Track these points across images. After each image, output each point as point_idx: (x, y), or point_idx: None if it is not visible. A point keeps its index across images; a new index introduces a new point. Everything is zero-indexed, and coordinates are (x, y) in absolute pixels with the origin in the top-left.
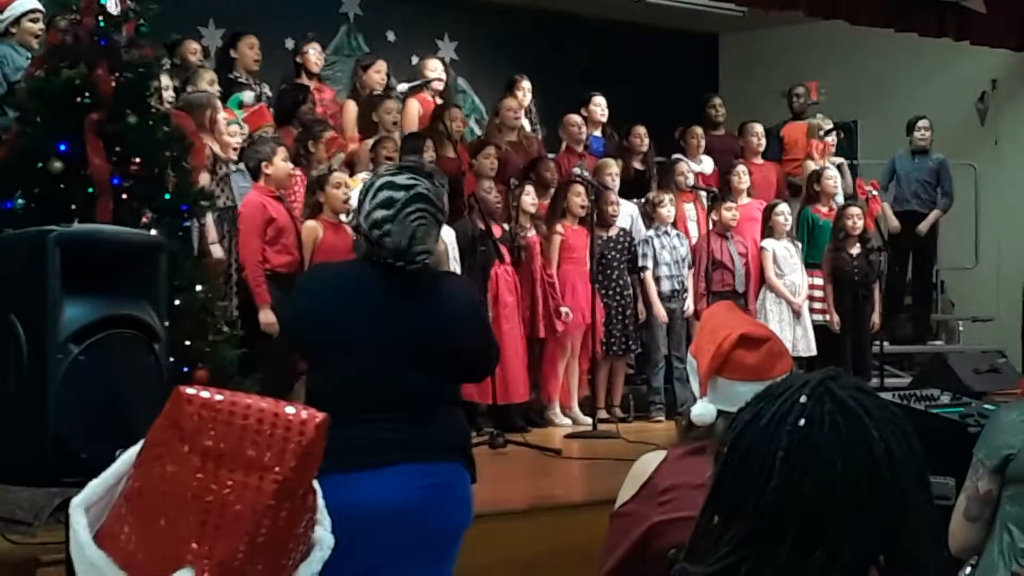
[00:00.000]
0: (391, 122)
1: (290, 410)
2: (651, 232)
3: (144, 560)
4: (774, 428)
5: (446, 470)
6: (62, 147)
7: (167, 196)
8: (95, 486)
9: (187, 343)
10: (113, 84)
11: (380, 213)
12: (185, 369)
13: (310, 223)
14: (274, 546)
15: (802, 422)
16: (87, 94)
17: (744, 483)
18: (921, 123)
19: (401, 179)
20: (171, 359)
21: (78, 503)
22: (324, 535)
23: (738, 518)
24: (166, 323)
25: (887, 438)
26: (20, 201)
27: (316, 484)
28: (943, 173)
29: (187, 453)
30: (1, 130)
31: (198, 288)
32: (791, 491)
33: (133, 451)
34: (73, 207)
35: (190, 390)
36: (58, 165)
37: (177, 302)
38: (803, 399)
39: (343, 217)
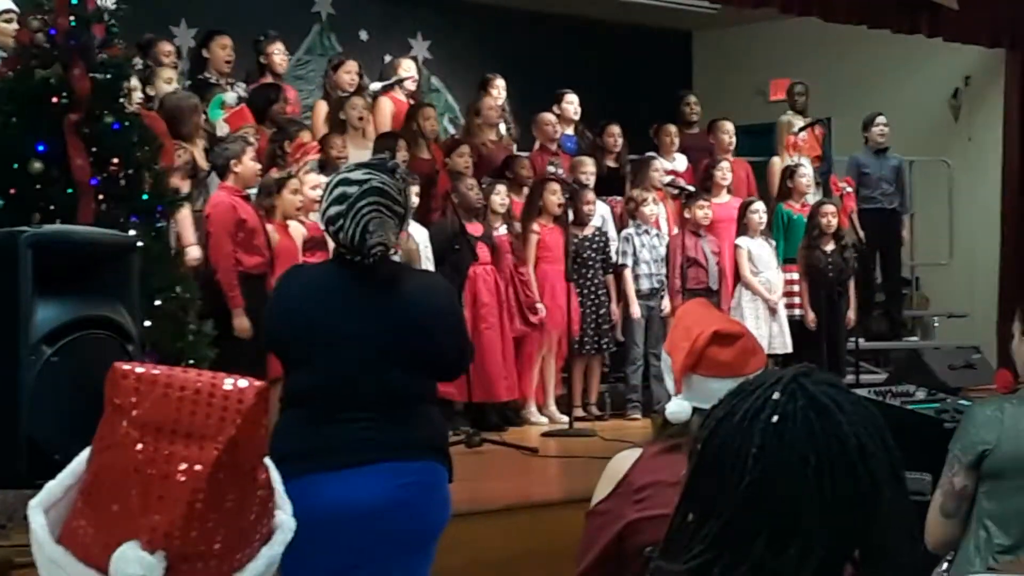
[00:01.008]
0: (356, 118)
1: (228, 381)
2: (631, 230)
3: (101, 547)
4: (747, 425)
5: (424, 469)
6: (40, 147)
7: (145, 197)
8: (53, 487)
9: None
10: (89, 84)
11: (334, 209)
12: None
13: (270, 226)
14: (227, 523)
15: (775, 419)
16: (64, 94)
17: (717, 480)
18: (879, 119)
19: (356, 175)
20: (152, 358)
21: (35, 504)
22: (285, 519)
23: (712, 515)
24: (146, 323)
25: (860, 434)
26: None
27: (270, 463)
28: (901, 174)
29: (127, 428)
30: None
31: (177, 289)
32: (764, 488)
33: (87, 450)
34: (52, 208)
35: (125, 365)
36: (38, 166)
37: (158, 302)
38: (776, 396)
39: (303, 218)
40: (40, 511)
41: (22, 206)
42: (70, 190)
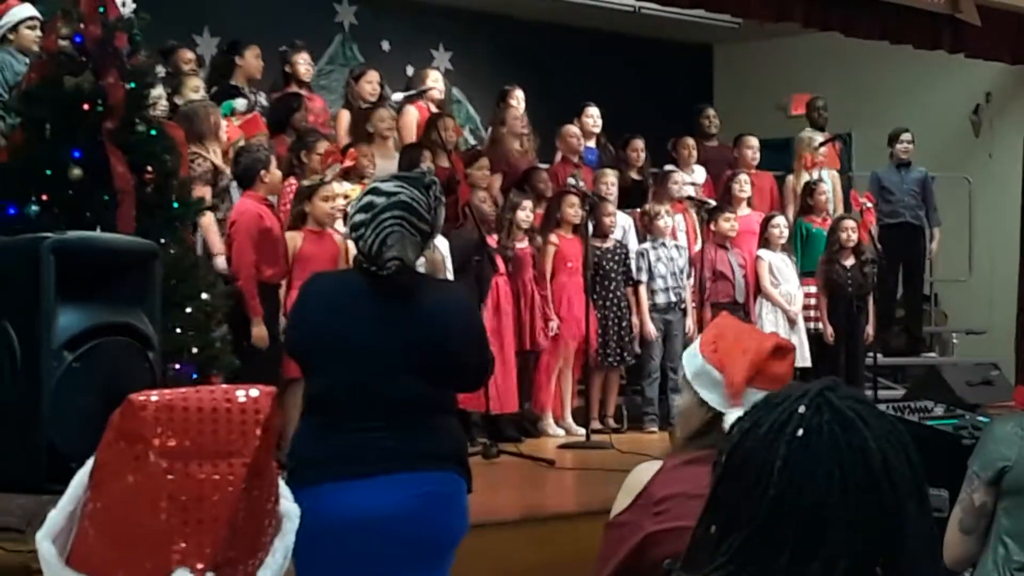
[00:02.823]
0: (385, 129)
1: (240, 393)
2: (647, 244)
3: (128, 572)
4: (772, 438)
5: (442, 479)
6: (76, 154)
7: (175, 205)
8: (55, 517)
9: (194, 350)
10: (123, 92)
11: (359, 217)
12: (195, 376)
13: (289, 233)
14: (251, 526)
15: (800, 432)
16: (99, 102)
17: (741, 493)
18: (904, 136)
19: (387, 186)
20: (178, 365)
21: (43, 535)
22: (290, 506)
23: (735, 528)
24: (177, 329)
25: (885, 449)
26: (34, 208)
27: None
28: (927, 188)
29: (149, 459)
30: (3, 134)
31: (203, 296)
32: (789, 502)
33: (82, 475)
34: (88, 215)
35: (140, 397)
36: (77, 172)
37: (188, 310)
38: (801, 409)
39: (330, 228)
40: (48, 541)
41: (59, 213)
42: (106, 197)
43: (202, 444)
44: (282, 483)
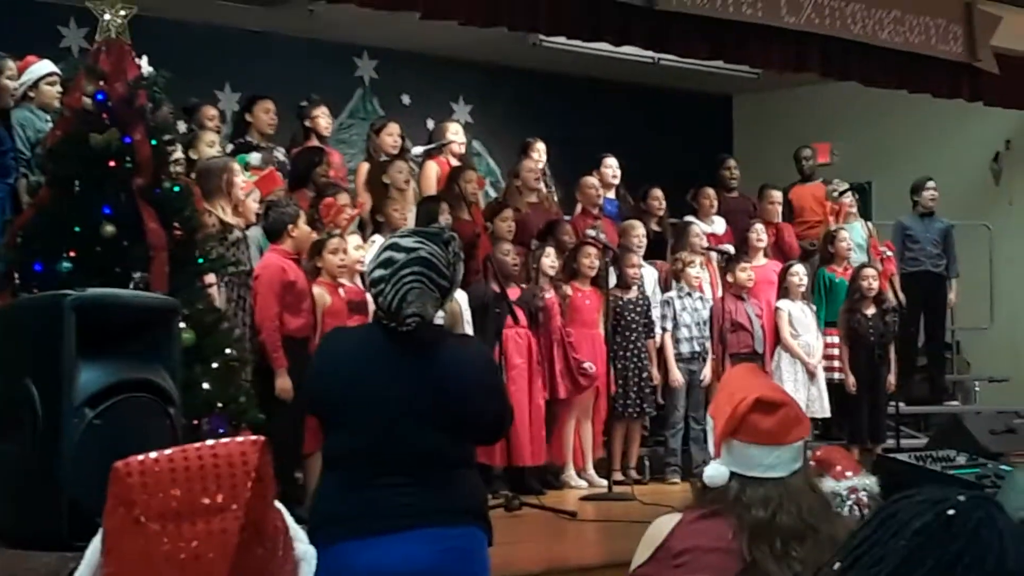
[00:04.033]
0: (403, 181)
1: (224, 445)
2: (672, 293)
3: None
4: (922, 505)
5: (464, 534)
6: (106, 210)
7: (200, 260)
8: None
9: (220, 405)
10: (150, 150)
11: (378, 272)
12: (221, 431)
13: (317, 289)
14: (261, 570)
15: (951, 512)
16: (126, 159)
17: (872, 539)
18: (930, 184)
19: (407, 241)
20: (217, 422)
21: None
22: (306, 549)
23: (857, 568)
24: (204, 385)
25: (1015, 569)
26: (66, 264)
27: (279, 506)
28: (949, 238)
29: (144, 523)
30: (29, 191)
31: (227, 351)
32: (913, 560)
33: (96, 542)
34: (118, 271)
35: (123, 464)
36: (110, 229)
37: (215, 365)
38: (962, 498)
39: (345, 280)
40: None
41: (90, 269)
42: (139, 254)
43: (191, 502)
44: (296, 526)
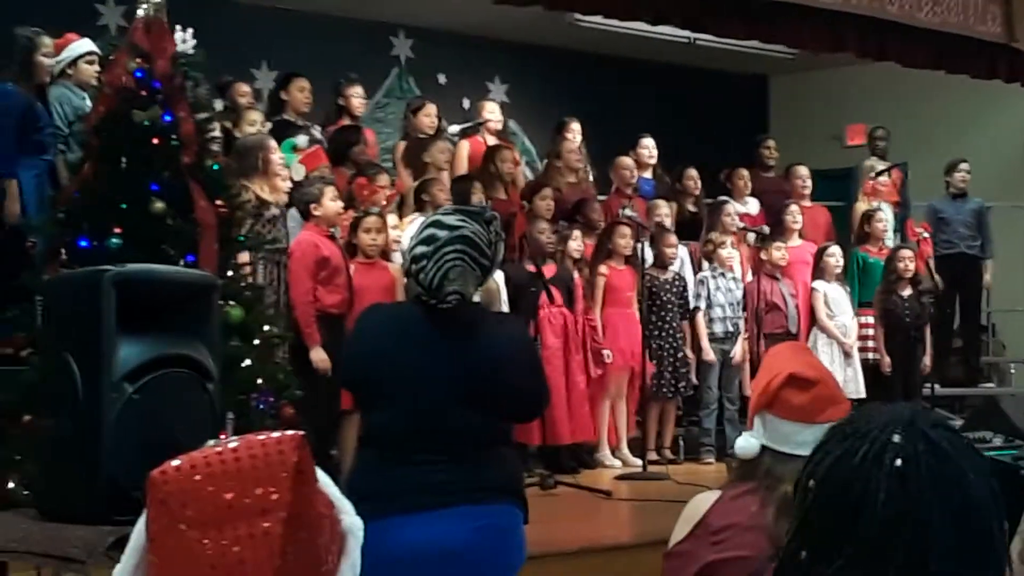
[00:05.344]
0: (444, 161)
1: (260, 443)
2: (706, 272)
3: None
4: (868, 467)
5: (501, 511)
6: (154, 187)
7: (241, 238)
8: (120, 572)
9: (259, 381)
10: (194, 127)
11: (420, 249)
12: (260, 406)
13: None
14: (305, 559)
15: (898, 463)
16: (172, 136)
17: (838, 521)
18: (962, 166)
19: (450, 219)
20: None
21: None
22: (352, 521)
23: (830, 556)
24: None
25: (979, 481)
26: (115, 241)
27: (320, 473)
28: (983, 219)
29: (185, 531)
30: (69, 168)
31: (266, 328)
32: (892, 532)
33: (140, 527)
34: (164, 247)
35: (158, 471)
36: (160, 206)
37: (256, 341)
38: (896, 439)
39: (397, 258)
40: None
41: (138, 246)
42: (183, 231)
43: (231, 506)
44: (341, 498)
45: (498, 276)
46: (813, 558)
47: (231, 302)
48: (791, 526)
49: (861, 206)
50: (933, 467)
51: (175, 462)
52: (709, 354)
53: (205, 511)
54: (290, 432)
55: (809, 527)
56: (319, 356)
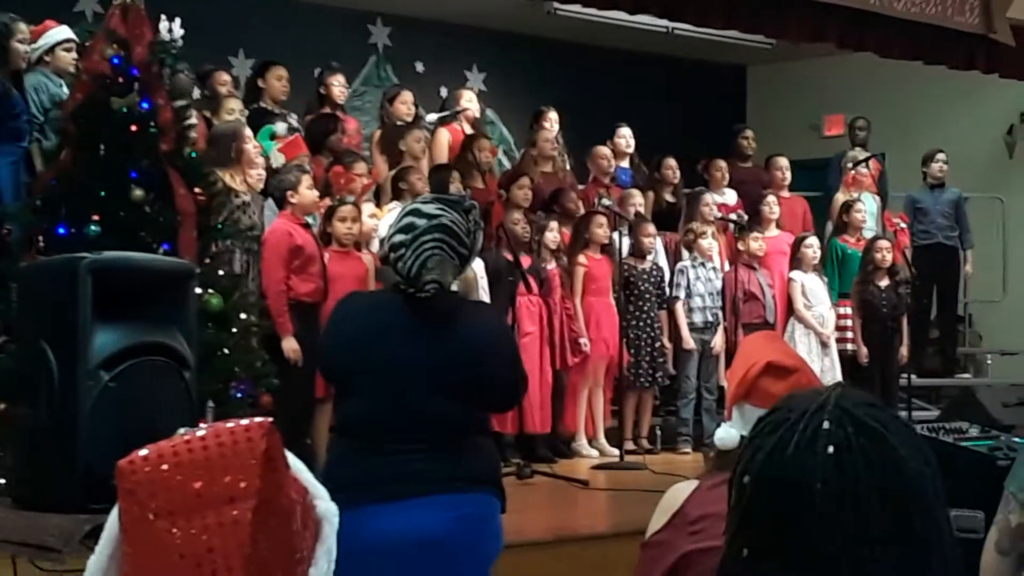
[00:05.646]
0: (420, 150)
1: (228, 431)
2: (686, 263)
3: None
4: (802, 457)
5: (478, 500)
6: (133, 175)
7: (219, 226)
8: (95, 563)
9: (236, 370)
10: (172, 115)
11: (399, 237)
12: (238, 395)
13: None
14: (277, 547)
15: (831, 449)
16: (151, 124)
17: (777, 516)
18: (939, 156)
19: (429, 208)
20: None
21: None
22: (327, 506)
23: (773, 551)
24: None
25: (911, 455)
26: (94, 228)
27: (293, 460)
28: (960, 209)
29: (154, 521)
30: (45, 155)
31: (242, 316)
32: (833, 522)
33: (113, 517)
34: (143, 235)
35: (126, 460)
36: (139, 193)
37: (234, 329)
38: (825, 425)
39: (375, 247)
40: None
41: (116, 234)
42: (166, 219)
43: (200, 495)
44: (315, 483)
45: (477, 265)
46: (756, 555)
47: (210, 290)
48: (730, 524)
49: (841, 196)
50: (866, 448)
51: (143, 452)
52: (689, 342)
53: (173, 501)
54: (259, 419)
55: (749, 524)
56: (290, 346)
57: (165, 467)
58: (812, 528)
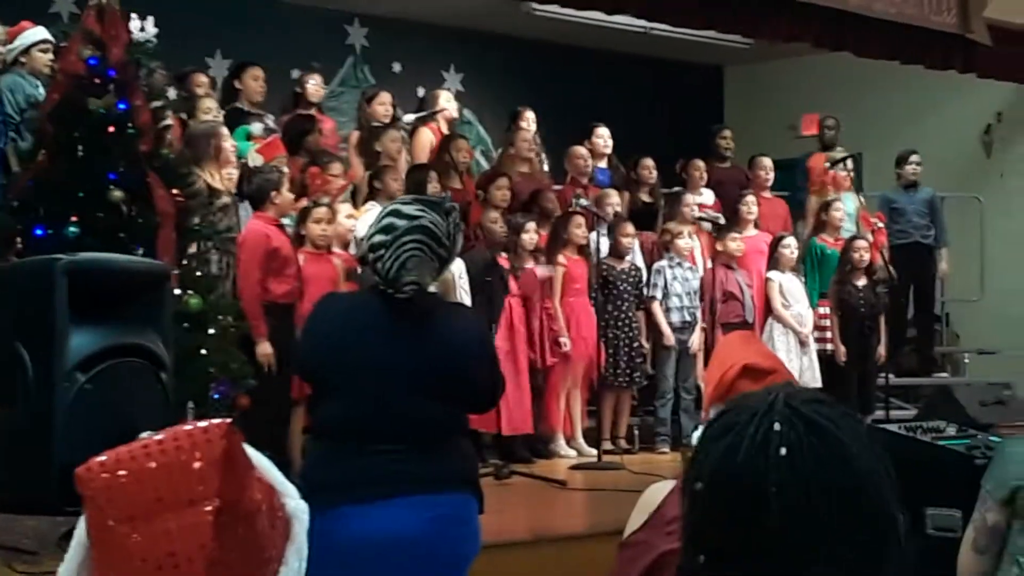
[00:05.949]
0: (395, 151)
1: (186, 433)
2: (663, 263)
3: None
4: (755, 461)
5: (456, 501)
6: (112, 176)
7: (197, 228)
8: (64, 570)
9: (211, 370)
10: (150, 116)
11: (378, 238)
12: (216, 396)
13: (300, 256)
14: (244, 548)
15: (783, 451)
16: (129, 125)
17: (733, 521)
18: (913, 157)
19: (409, 209)
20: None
21: None
22: (296, 504)
23: (729, 557)
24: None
25: (861, 451)
26: (73, 229)
27: (259, 459)
28: (936, 208)
29: (115, 527)
30: (19, 156)
31: (220, 318)
32: (790, 525)
33: (82, 524)
34: (122, 236)
35: (83, 467)
36: (118, 194)
37: (211, 331)
38: (776, 426)
39: (352, 249)
40: None
41: (96, 234)
42: (140, 219)
43: (159, 499)
44: (284, 482)
45: (456, 266)
46: (712, 560)
47: (189, 291)
48: (684, 530)
49: (815, 197)
50: (816, 447)
51: (101, 457)
52: (670, 338)
53: (132, 506)
54: (217, 420)
55: (703, 530)
56: (263, 351)
57: (122, 472)
58: (768, 531)
